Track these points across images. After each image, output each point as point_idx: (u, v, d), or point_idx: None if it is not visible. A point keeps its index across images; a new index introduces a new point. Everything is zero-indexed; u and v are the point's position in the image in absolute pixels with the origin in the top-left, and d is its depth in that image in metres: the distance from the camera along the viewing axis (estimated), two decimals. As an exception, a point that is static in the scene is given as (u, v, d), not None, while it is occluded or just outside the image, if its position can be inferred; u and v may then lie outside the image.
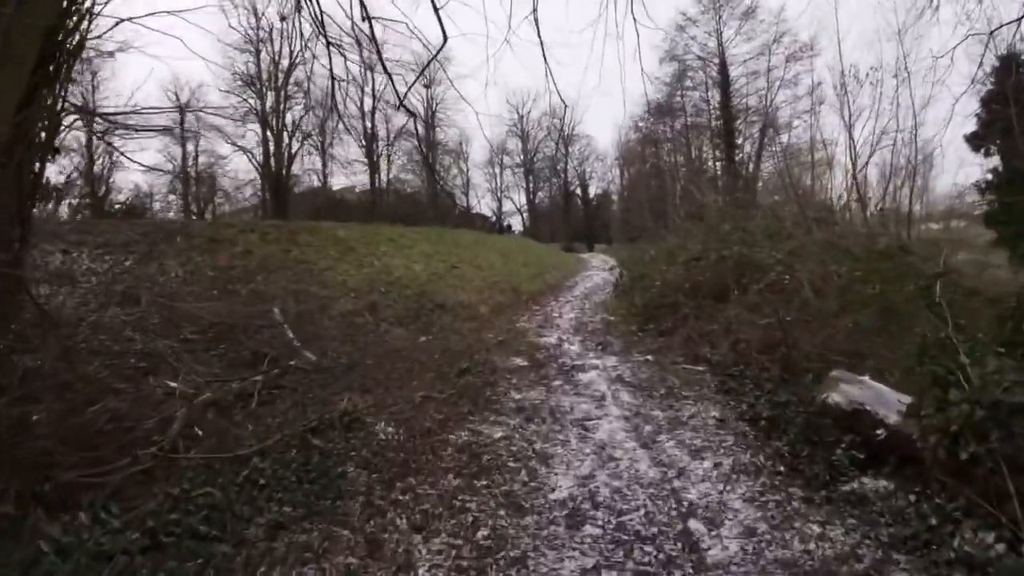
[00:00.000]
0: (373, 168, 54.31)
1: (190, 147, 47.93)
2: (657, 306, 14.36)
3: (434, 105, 58.97)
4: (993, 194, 27.35)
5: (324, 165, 52.91)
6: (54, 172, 36.18)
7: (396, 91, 10.24)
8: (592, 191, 77.43)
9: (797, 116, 37.34)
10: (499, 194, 72.44)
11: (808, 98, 36.63)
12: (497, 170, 71.95)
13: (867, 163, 28.32)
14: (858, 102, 29.88)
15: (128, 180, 45.16)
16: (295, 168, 50.62)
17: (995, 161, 27.60)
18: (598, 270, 35.49)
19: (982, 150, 28.03)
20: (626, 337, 13.90)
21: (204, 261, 15.94)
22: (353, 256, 19.10)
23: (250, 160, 47.08)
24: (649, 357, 11.75)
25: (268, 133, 46.78)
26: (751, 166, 41.36)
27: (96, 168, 41.03)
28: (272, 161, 46.95)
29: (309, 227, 21.75)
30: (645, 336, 13.72)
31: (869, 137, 29.03)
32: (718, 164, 44.63)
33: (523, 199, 73.66)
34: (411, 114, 10.06)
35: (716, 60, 42.52)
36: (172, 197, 48.19)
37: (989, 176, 27.86)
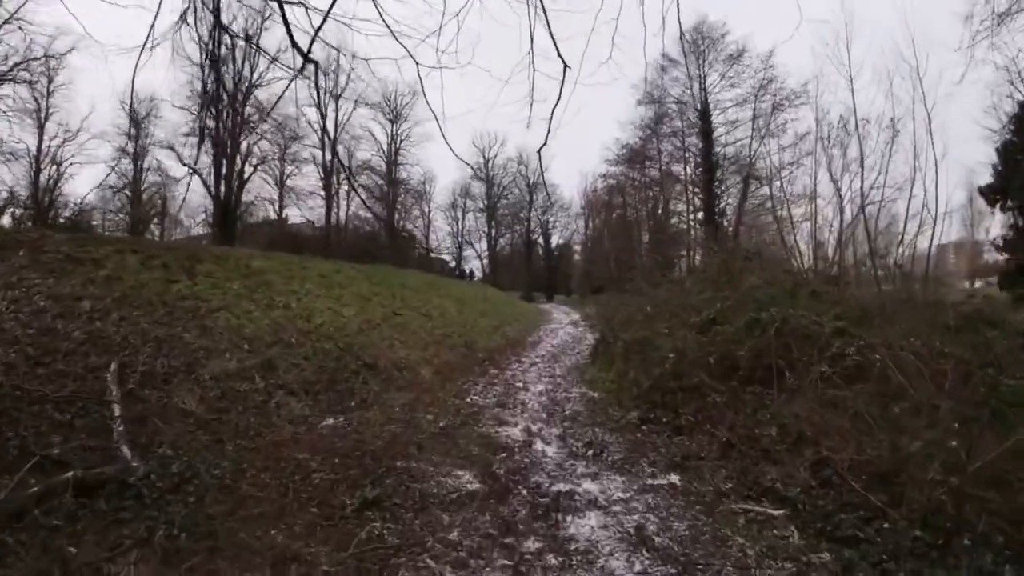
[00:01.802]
0: (330, 202, 49.81)
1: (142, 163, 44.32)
2: (668, 388, 9.77)
3: (398, 141, 55.04)
4: (1010, 252, 23.62)
5: (280, 197, 48.38)
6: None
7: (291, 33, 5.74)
8: (555, 240, 73.72)
9: (785, 166, 33.54)
10: (460, 238, 68.43)
11: (793, 149, 32.92)
12: (460, 213, 67.95)
13: (860, 214, 24.18)
14: (849, 153, 25.78)
15: (76, 193, 41.34)
16: (252, 197, 46.41)
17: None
18: (562, 324, 31.14)
19: (998, 205, 24.30)
20: (625, 431, 9.34)
21: (44, 286, 11.13)
22: (264, 293, 14.39)
23: (203, 183, 42.31)
24: (675, 480, 7.21)
25: (220, 157, 41.99)
26: (732, 218, 37.44)
27: (43, 179, 38.61)
28: (223, 186, 42.23)
29: (216, 253, 16.84)
30: (654, 432, 9.19)
31: (858, 189, 24.85)
32: (695, 215, 40.75)
33: (485, 245, 69.52)
34: (309, 60, 5.55)
35: (698, 105, 38.75)
36: (120, 216, 43.96)
37: (1007, 233, 24.08)
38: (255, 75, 40.42)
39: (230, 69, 39.49)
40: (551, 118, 6.03)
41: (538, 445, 8.52)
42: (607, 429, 9.43)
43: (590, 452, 8.18)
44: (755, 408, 8.63)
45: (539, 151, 6.17)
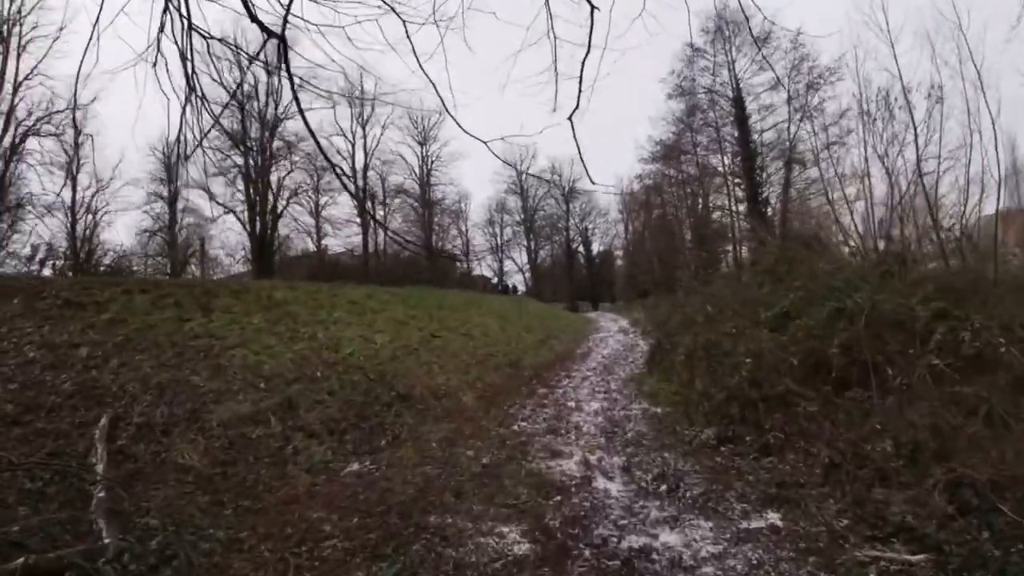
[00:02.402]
0: (366, 228, 48.82)
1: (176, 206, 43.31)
2: (747, 399, 8.18)
3: (430, 163, 53.93)
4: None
5: (318, 227, 47.40)
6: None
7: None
8: (595, 248, 71.85)
9: (829, 145, 31.44)
10: (500, 254, 66.86)
11: (835, 126, 30.73)
12: (497, 229, 66.49)
13: (918, 185, 22.07)
14: (897, 123, 23.65)
15: (114, 241, 40.57)
16: (287, 230, 45.39)
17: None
18: (611, 332, 29.44)
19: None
20: (701, 455, 7.76)
21: (37, 335, 10.04)
22: (287, 326, 13.14)
23: (238, 219, 41.70)
24: (776, 520, 5.68)
25: (252, 192, 41.34)
26: (778, 205, 35.34)
27: (79, 229, 37.07)
28: (257, 221, 41.55)
29: (234, 287, 15.67)
30: (736, 454, 7.64)
31: (912, 160, 22.73)
32: (737, 206, 38.68)
33: (525, 258, 67.94)
34: (272, 35, 4.16)
35: (730, 93, 36.81)
36: (160, 260, 43.50)
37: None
38: (279, 109, 39.79)
39: (255, 105, 39.13)
40: (581, 73, 4.62)
41: (599, 481, 7.00)
42: (679, 453, 7.87)
43: (663, 487, 6.62)
44: (857, 416, 7.06)
45: (570, 117, 4.74)
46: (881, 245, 19.60)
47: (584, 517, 5.94)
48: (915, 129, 21.64)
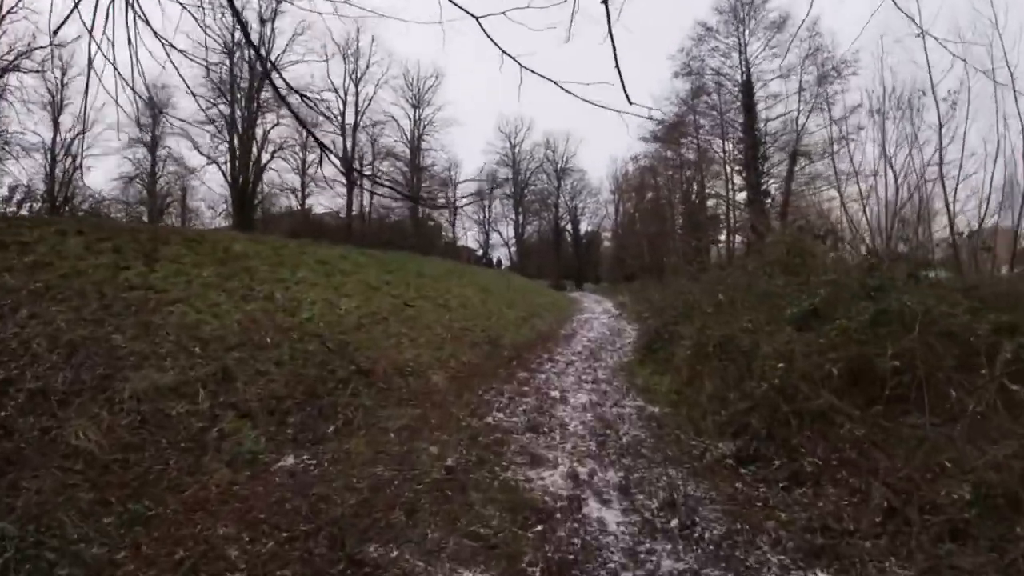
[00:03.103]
0: (351, 188, 46.95)
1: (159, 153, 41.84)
2: (775, 412, 6.61)
3: (421, 127, 51.96)
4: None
5: (303, 186, 45.41)
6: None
7: None
8: (583, 227, 70.21)
9: (842, 138, 29.80)
10: (487, 226, 65.09)
11: (847, 120, 29.07)
12: (486, 201, 64.59)
13: (937, 187, 20.56)
14: (921, 120, 21.99)
15: (96, 186, 38.13)
16: (272, 188, 43.71)
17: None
18: (595, 314, 27.89)
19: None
20: (716, 477, 6.18)
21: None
22: (241, 282, 11.49)
23: (220, 171, 39.74)
24: (827, 584, 4.18)
25: (236, 143, 39.36)
26: (779, 197, 33.74)
27: (58, 172, 35.33)
28: (239, 174, 39.66)
29: (189, 236, 13.83)
30: (760, 480, 6.07)
31: (932, 160, 21.12)
32: (735, 195, 37.08)
33: (511, 232, 66.22)
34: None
35: (739, 77, 35.07)
36: (138, 207, 41.51)
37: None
38: (271, 57, 37.85)
39: (244, 53, 37.12)
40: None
41: (592, 506, 5.45)
42: (688, 472, 6.33)
43: (674, 522, 5.07)
44: (913, 445, 5.58)
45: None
46: (901, 247, 18.22)
47: (573, 563, 4.42)
48: (940, 128, 20.16)
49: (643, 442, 7.41)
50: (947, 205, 19.29)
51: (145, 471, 5.84)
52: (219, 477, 5.87)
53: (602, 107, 3.55)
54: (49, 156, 35.05)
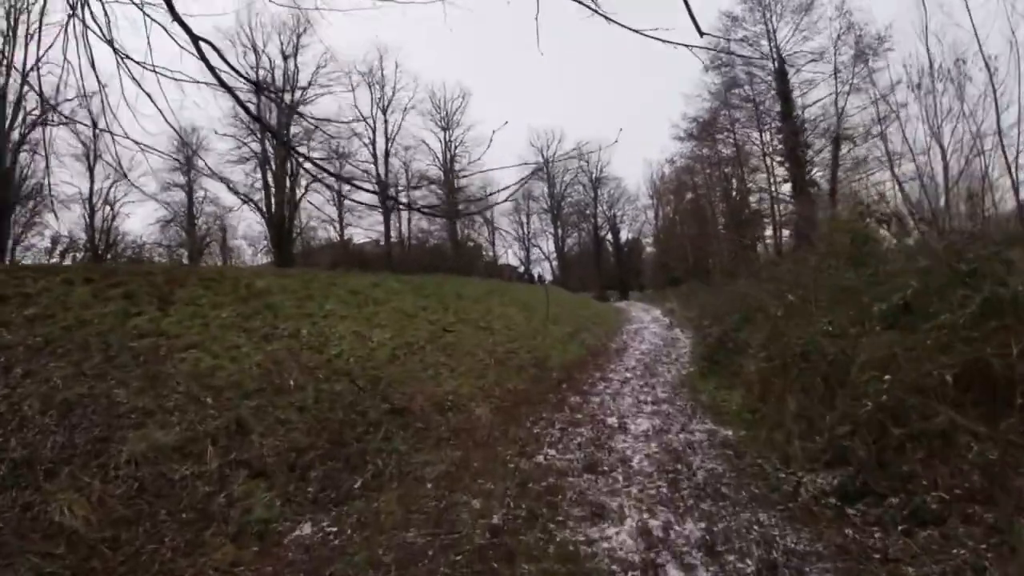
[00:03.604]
0: (387, 216, 46.44)
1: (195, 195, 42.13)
2: (882, 434, 5.38)
3: (453, 148, 51.28)
4: None
5: (340, 216, 45.05)
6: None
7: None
8: (624, 235, 68.83)
9: (887, 116, 28.12)
10: (527, 242, 64.00)
11: (892, 96, 27.41)
12: (523, 217, 63.58)
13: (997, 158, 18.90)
14: (973, 88, 20.29)
15: (134, 231, 40.64)
16: (310, 219, 43.28)
17: None
18: (644, 323, 26.67)
19: None
20: (814, 522, 4.95)
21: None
22: (263, 320, 10.61)
23: (256, 208, 39.65)
24: None
25: (269, 179, 39.16)
26: (824, 185, 32.02)
27: (97, 222, 36.07)
28: (276, 211, 39.47)
29: (208, 274, 12.97)
30: (872, 522, 4.83)
31: (989, 130, 19.43)
32: (776, 187, 35.36)
33: (551, 246, 65.10)
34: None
35: (771, 64, 33.45)
36: (178, 250, 41.60)
37: None
38: (296, 95, 37.53)
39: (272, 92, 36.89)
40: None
41: (672, 574, 4.37)
42: (781, 516, 5.14)
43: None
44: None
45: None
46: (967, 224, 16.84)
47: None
48: (995, 93, 18.62)
49: (721, 477, 6.23)
50: (1010, 173, 17.74)
51: (136, 551, 4.93)
52: (221, 556, 4.90)
53: (670, 42, 2.59)
54: (87, 206, 35.47)
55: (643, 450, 7.40)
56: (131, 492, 5.60)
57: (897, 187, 21.27)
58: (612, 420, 9.01)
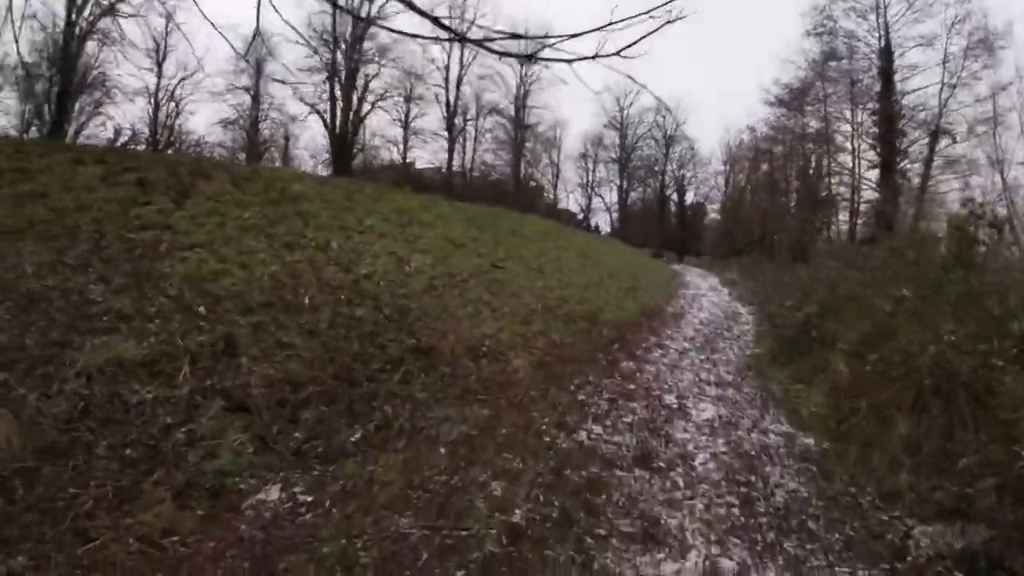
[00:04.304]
0: (452, 143, 45.23)
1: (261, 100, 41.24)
2: None
3: (528, 83, 49.29)
4: None
5: (405, 139, 44.08)
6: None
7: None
8: (689, 198, 66.17)
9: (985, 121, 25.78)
10: (590, 189, 61.90)
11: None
12: (590, 164, 61.39)
13: None
14: None
15: (195, 131, 38.72)
16: (374, 139, 42.98)
17: None
18: (701, 290, 24.79)
19: None
20: None
21: None
22: (289, 227, 9.33)
23: (321, 118, 39.49)
24: None
25: (336, 91, 38.20)
26: (914, 180, 29.72)
27: (161, 116, 36.72)
28: (338, 122, 38.58)
29: (240, 171, 11.51)
30: None
31: None
32: (859, 172, 32.97)
33: (614, 198, 62.93)
34: None
35: (876, 41, 30.81)
36: (241, 154, 41.29)
37: None
38: (374, 7, 36.24)
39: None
40: None
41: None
42: (888, 577, 3.78)
43: None
44: None
45: None
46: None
47: None
48: None
49: (806, 505, 4.74)
50: None
51: (53, 496, 3.73)
52: (153, 517, 3.67)
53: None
54: (152, 100, 36.06)
55: (708, 447, 5.93)
56: (73, 414, 4.42)
57: (1006, 192, 19.22)
58: (670, 399, 7.55)
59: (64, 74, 27.28)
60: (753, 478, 5.20)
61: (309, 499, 4.16)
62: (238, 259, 7.62)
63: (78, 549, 3.34)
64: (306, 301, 7.28)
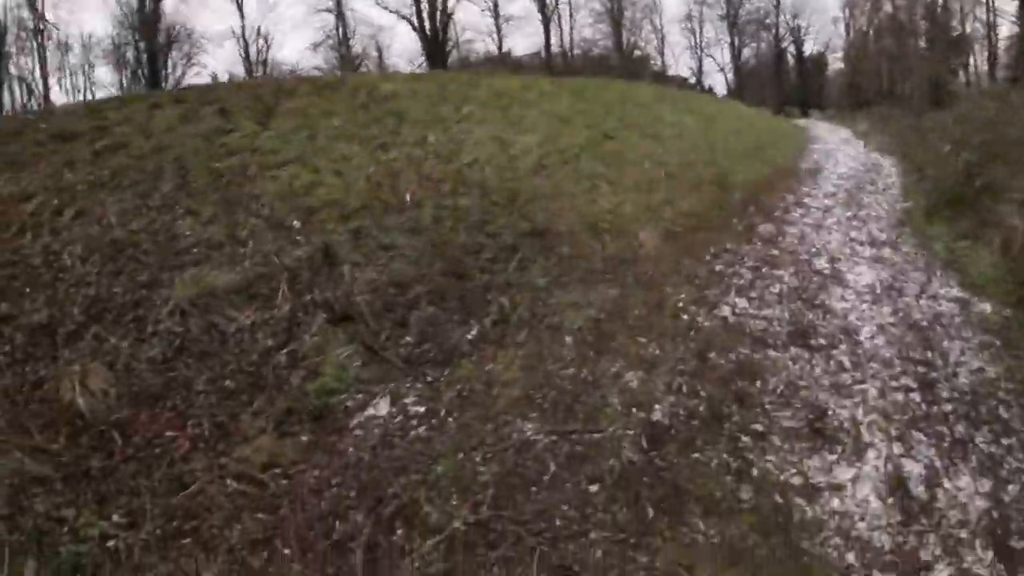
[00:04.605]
0: (547, 24, 43.50)
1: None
2: None
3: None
4: None
5: (498, 28, 42.66)
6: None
7: None
8: (808, 49, 61.53)
9: None
10: (699, 52, 58.25)
11: None
12: (696, 25, 57.54)
13: None
14: None
15: (289, 62, 39.34)
16: (466, 31, 41.55)
17: None
18: (833, 144, 22.77)
19: None
20: None
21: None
22: (382, 128, 8.73)
23: (408, 23, 38.85)
24: None
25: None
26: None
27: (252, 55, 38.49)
28: (427, 23, 37.84)
29: (324, 81, 10.90)
30: None
31: None
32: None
33: (726, 57, 59.12)
34: None
35: None
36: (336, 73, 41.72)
37: None
38: None
39: None
40: None
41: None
42: None
43: None
44: None
45: None
46: None
47: None
48: None
49: (995, 386, 3.87)
50: None
51: (149, 442, 3.43)
52: (252, 451, 3.32)
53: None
54: (241, 41, 37.62)
55: (873, 317, 5.08)
56: (168, 353, 4.12)
57: None
58: (821, 263, 6.64)
59: (148, 36, 28.06)
60: (930, 355, 4.35)
61: (421, 410, 3.71)
62: (331, 167, 7.14)
63: (173, 498, 3.02)
64: (407, 198, 6.77)
